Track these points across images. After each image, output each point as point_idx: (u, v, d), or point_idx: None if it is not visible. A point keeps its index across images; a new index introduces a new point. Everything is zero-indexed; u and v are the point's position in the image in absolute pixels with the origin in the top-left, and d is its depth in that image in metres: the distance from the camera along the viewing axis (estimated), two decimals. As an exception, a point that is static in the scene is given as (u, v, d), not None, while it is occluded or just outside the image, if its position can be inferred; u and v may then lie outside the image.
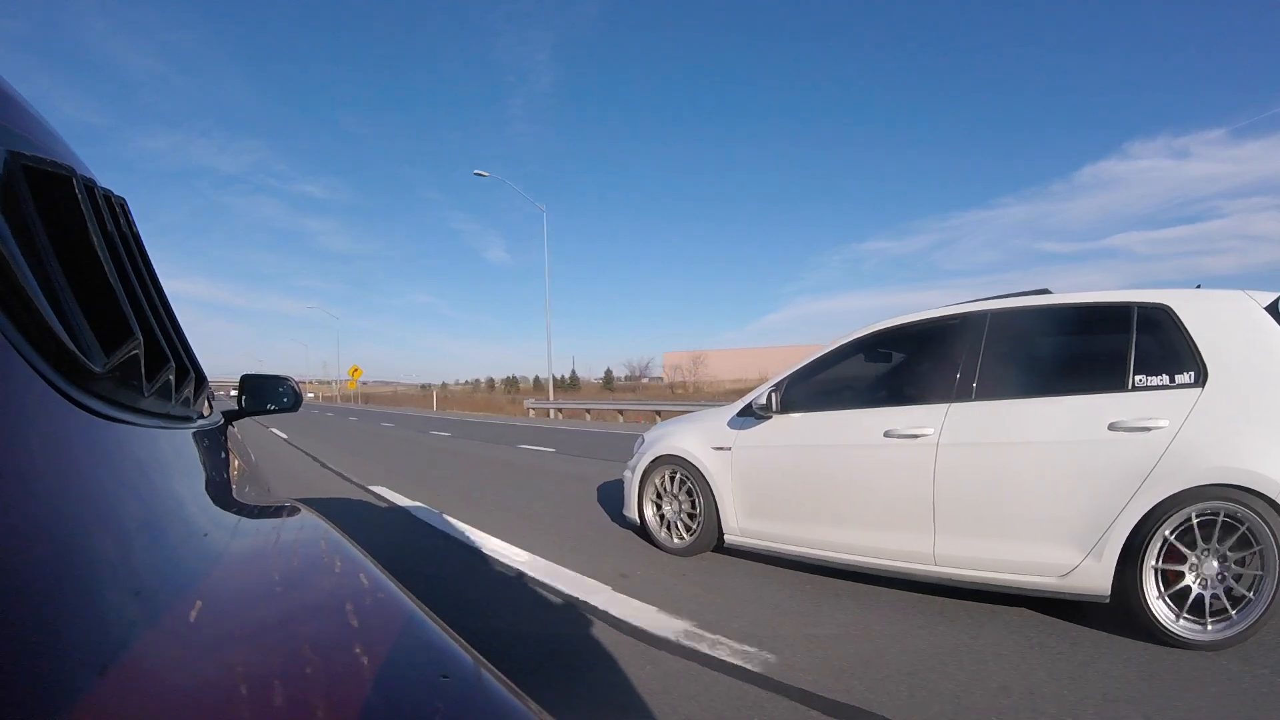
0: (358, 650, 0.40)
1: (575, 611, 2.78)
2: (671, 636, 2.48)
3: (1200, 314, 2.44)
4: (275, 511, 0.79)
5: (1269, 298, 2.43)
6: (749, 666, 2.21)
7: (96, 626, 0.32)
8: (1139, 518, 2.30)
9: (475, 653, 0.46)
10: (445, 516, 4.72)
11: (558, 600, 2.93)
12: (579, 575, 3.27)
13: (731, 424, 3.51)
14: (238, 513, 0.71)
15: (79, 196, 0.51)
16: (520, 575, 3.29)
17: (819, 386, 3.35)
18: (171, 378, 0.68)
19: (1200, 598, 2.26)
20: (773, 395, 3.29)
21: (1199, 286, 2.60)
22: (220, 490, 0.79)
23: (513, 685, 0.43)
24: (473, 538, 4.05)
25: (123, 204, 0.71)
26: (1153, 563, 2.30)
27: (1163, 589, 2.30)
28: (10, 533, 0.31)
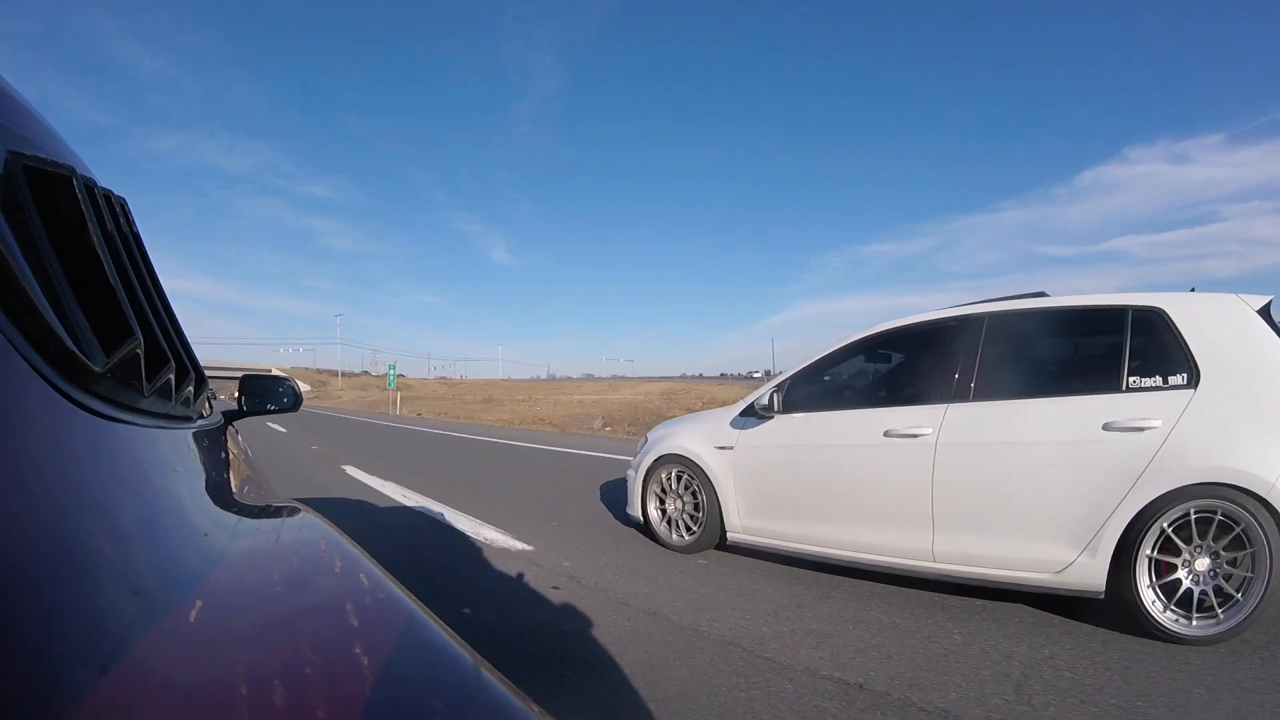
0: (358, 650, 0.40)
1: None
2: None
3: (1193, 316, 2.47)
4: (275, 511, 0.79)
5: (1261, 301, 2.46)
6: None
7: (96, 626, 0.32)
8: (1132, 515, 2.32)
9: (475, 653, 0.46)
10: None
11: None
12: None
13: (734, 424, 3.52)
14: (238, 513, 0.71)
15: (79, 196, 0.51)
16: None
17: (820, 387, 3.38)
18: (171, 378, 0.68)
19: (1192, 593, 2.28)
20: (775, 395, 3.31)
21: (1193, 290, 2.63)
22: (220, 490, 0.78)
23: (513, 685, 0.43)
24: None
25: (123, 203, 0.71)
26: (1146, 560, 2.33)
27: (1156, 585, 2.33)
28: (10, 533, 0.31)
